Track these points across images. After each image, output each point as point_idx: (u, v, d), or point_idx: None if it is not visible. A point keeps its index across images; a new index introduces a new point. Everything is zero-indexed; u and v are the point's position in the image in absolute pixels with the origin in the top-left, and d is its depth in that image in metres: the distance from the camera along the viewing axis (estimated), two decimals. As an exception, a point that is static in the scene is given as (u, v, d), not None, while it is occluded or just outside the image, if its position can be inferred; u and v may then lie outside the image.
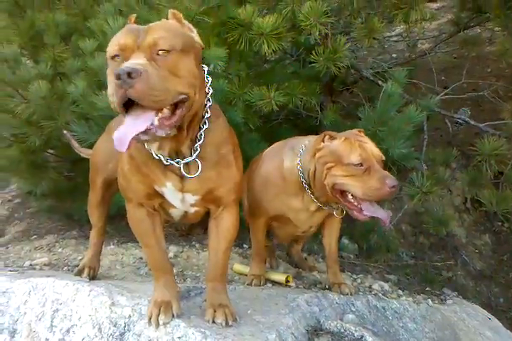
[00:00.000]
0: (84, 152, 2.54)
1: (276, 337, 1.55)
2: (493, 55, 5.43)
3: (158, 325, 1.56)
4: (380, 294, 2.35)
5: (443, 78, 4.97)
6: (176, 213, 1.73)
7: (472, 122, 3.29)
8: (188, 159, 1.52)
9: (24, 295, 1.84)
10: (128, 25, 1.48)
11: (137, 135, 1.31)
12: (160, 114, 1.34)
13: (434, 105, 3.02)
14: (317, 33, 2.46)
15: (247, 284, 2.21)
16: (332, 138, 1.98)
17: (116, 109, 1.34)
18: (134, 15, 1.56)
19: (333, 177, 1.92)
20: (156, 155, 1.51)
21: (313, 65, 2.70)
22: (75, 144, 2.57)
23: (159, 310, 1.58)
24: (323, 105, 3.59)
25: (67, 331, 1.67)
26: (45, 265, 2.52)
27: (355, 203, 1.93)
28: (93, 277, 2.19)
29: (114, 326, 1.63)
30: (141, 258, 2.64)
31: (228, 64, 2.63)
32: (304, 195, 2.08)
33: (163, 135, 1.36)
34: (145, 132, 1.32)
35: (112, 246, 2.86)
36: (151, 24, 1.43)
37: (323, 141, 1.99)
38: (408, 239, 3.71)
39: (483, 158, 2.95)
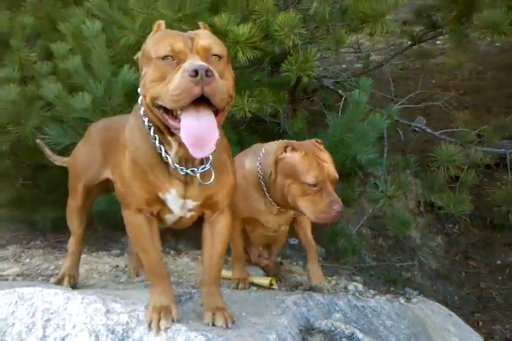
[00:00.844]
0: (58, 160, 2.49)
1: (277, 337, 1.60)
2: (440, 68, 5.80)
3: (159, 330, 1.57)
4: (357, 294, 2.44)
5: (391, 88, 5.22)
6: (170, 218, 1.74)
7: (429, 130, 3.50)
8: (205, 167, 1.55)
9: (10, 306, 1.77)
10: (167, 30, 1.53)
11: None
12: (215, 117, 1.39)
13: (395, 113, 3.18)
14: (290, 43, 2.55)
15: (233, 288, 2.24)
16: (293, 150, 2.06)
17: (178, 104, 1.34)
18: (162, 21, 1.58)
19: (292, 196, 2.04)
20: (173, 163, 1.53)
21: (285, 74, 2.78)
22: (48, 152, 2.51)
23: (159, 315, 1.59)
24: (285, 113, 3.70)
25: (62, 340, 1.64)
26: (17, 275, 2.43)
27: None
28: (74, 286, 2.15)
29: (112, 333, 1.62)
30: (117, 266, 2.60)
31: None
32: (265, 197, 2.18)
33: (212, 150, 1.40)
34: None
35: (84, 255, 2.77)
36: (193, 31, 1.50)
37: (284, 152, 2.07)
38: (369, 242, 3.88)
39: (441, 164, 3.16)
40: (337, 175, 2.06)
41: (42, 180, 3.30)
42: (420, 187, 4.14)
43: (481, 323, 3.61)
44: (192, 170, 1.54)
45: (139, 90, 1.51)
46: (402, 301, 2.58)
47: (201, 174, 1.56)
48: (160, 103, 1.39)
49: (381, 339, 1.98)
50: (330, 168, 2.05)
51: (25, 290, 1.81)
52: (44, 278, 2.42)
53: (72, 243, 2.28)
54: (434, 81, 6.09)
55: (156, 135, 1.53)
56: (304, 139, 2.28)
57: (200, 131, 1.35)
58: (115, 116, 2.31)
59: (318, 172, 1.99)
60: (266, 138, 2.77)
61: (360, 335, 1.77)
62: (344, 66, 6.44)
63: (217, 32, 2.67)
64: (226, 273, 2.42)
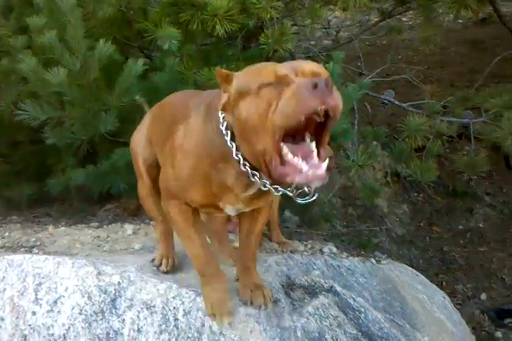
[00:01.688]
0: None
1: (264, 290, 1.71)
2: (406, 44, 5.94)
3: (223, 325, 1.58)
4: (332, 255, 2.59)
5: (359, 64, 5.34)
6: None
7: (397, 102, 3.63)
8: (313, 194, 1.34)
9: (0, 272, 1.82)
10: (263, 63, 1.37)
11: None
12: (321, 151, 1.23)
13: (367, 86, 3.30)
14: (267, 16, 2.60)
15: None
16: None
17: (291, 120, 1.15)
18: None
19: None
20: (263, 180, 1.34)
21: (262, 47, 2.84)
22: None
23: (219, 309, 1.58)
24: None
25: (55, 302, 1.70)
26: (-1, 247, 2.46)
27: None
28: (173, 266, 1.91)
29: (105, 293, 1.70)
30: (98, 236, 2.64)
31: (180, 44, 2.70)
32: None
33: (327, 180, 1.21)
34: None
35: (63, 228, 2.81)
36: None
37: None
38: (340, 211, 4.03)
39: (409, 134, 3.31)
40: None
41: (17, 157, 3.29)
42: (387, 158, 4.30)
43: (444, 284, 3.84)
44: (289, 190, 1.34)
45: (203, 117, 1.41)
46: (374, 262, 2.75)
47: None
48: (276, 133, 1.18)
49: (356, 293, 2.13)
50: None
51: (14, 257, 1.86)
52: (26, 249, 2.45)
53: (159, 231, 2.06)
54: (400, 57, 6.23)
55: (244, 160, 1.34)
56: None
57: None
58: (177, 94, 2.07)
59: None
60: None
61: (338, 288, 1.91)
62: (313, 42, 6.50)
63: (196, 5, 2.71)
64: None
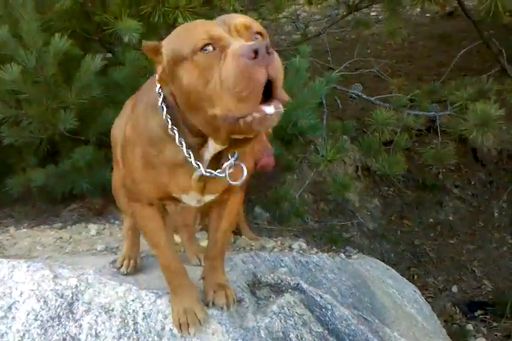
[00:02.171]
0: None
1: (226, 291, 1.66)
2: (374, 38, 5.96)
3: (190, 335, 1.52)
4: (301, 252, 2.56)
5: (329, 58, 5.34)
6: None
7: (365, 96, 3.62)
8: (230, 163, 1.33)
9: (-49, 278, 1.73)
10: (192, 21, 1.27)
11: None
12: None
13: (334, 80, 3.27)
14: (230, 8, 2.54)
15: None
16: None
17: (248, 105, 1.06)
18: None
19: None
20: (197, 163, 1.30)
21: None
22: None
23: (185, 319, 1.52)
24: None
25: (9, 308, 1.63)
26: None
27: None
28: (134, 267, 1.85)
29: (61, 297, 1.63)
30: (61, 237, 2.56)
31: (142, 37, 2.61)
32: None
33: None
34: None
35: (25, 230, 2.73)
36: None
37: None
38: (311, 206, 4.01)
39: (376, 128, 3.30)
40: None
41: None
42: (358, 153, 4.30)
43: (416, 277, 3.87)
44: (219, 172, 1.32)
45: (146, 104, 1.34)
46: (343, 257, 2.73)
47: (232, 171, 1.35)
48: (232, 115, 1.08)
49: (325, 290, 2.10)
50: None
51: (-34, 262, 1.77)
52: (-11, 250, 2.36)
53: (124, 224, 2.01)
54: (369, 51, 6.24)
55: (181, 137, 1.29)
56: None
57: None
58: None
59: None
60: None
61: (304, 285, 1.87)
62: (283, 37, 6.47)
63: (156, -4, 2.63)
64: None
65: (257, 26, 1.19)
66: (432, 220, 4.33)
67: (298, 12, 5.80)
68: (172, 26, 2.79)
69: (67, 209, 3.11)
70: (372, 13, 6.89)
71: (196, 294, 1.59)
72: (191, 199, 1.46)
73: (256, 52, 1.03)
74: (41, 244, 2.47)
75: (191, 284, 1.61)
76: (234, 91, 1.06)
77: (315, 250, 2.72)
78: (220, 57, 1.10)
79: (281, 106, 1.10)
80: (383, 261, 3.75)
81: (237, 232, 2.78)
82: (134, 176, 1.42)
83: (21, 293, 1.65)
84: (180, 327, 1.52)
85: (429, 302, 3.07)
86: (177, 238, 2.38)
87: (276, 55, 1.08)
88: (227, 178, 1.33)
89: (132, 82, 2.66)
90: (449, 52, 5.19)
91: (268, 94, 1.08)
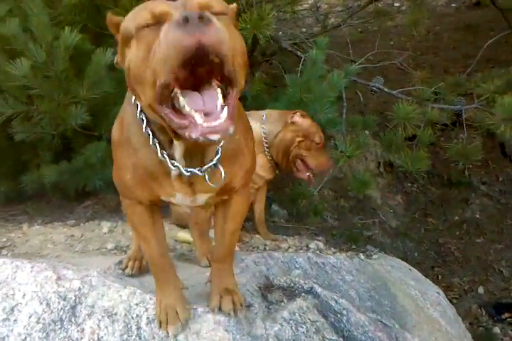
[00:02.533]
0: None
1: (235, 295, 1.58)
2: (398, 30, 5.78)
3: (169, 334, 1.46)
4: (318, 252, 2.46)
5: (350, 51, 5.20)
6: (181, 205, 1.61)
7: (386, 89, 3.48)
8: (211, 164, 1.26)
9: (-46, 278, 1.69)
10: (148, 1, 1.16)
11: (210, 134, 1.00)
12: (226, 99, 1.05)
13: (353, 73, 3.15)
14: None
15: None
16: (303, 116, 2.47)
17: (171, 72, 0.98)
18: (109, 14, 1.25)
19: (299, 150, 2.47)
20: (172, 163, 1.24)
21: (240, 32, 2.67)
22: None
23: (166, 316, 1.47)
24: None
25: (12, 310, 1.57)
26: (-37, 249, 2.33)
27: (303, 168, 2.55)
28: (139, 268, 1.79)
29: (64, 300, 1.57)
30: (72, 235, 2.52)
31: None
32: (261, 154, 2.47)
33: (231, 132, 1.03)
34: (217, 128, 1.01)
35: (37, 227, 2.70)
36: None
37: (294, 117, 2.46)
38: (330, 203, 3.89)
39: (399, 122, 3.17)
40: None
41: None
42: (380, 148, 4.17)
43: (440, 277, 3.72)
44: (199, 170, 1.25)
45: (127, 98, 1.28)
46: (363, 257, 2.62)
47: (210, 172, 1.28)
48: (160, 83, 1.01)
49: (341, 293, 2.00)
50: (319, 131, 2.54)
51: (-30, 262, 1.73)
52: (-6, 251, 2.33)
53: None
54: (392, 43, 6.07)
55: (153, 135, 1.23)
56: (264, 101, 2.67)
57: (208, 117, 1.02)
58: None
59: (321, 133, 2.52)
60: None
61: (318, 289, 1.78)
62: (304, 29, 6.35)
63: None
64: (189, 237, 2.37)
65: (216, 6, 1.10)
66: (457, 218, 4.16)
67: (318, 4, 5.67)
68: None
69: (82, 205, 3.07)
70: (396, 4, 6.70)
71: (180, 291, 1.53)
72: (183, 201, 1.39)
73: (186, 19, 0.94)
74: (52, 241, 2.43)
75: (176, 280, 1.54)
76: (160, 57, 0.98)
77: (333, 250, 2.61)
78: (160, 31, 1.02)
79: (230, 129, 1.02)
80: (406, 260, 3.61)
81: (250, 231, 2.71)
82: (121, 177, 1.35)
83: (24, 295, 1.60)
84: (160, 324, 1.47)
85: (453, 304, 2.93)
86: (188, 235, 2.32)
87: (217, 26, 0.97)
88: (206, 179, 1.27)
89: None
90: (476, 43, 4.99)
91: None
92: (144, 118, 1.22)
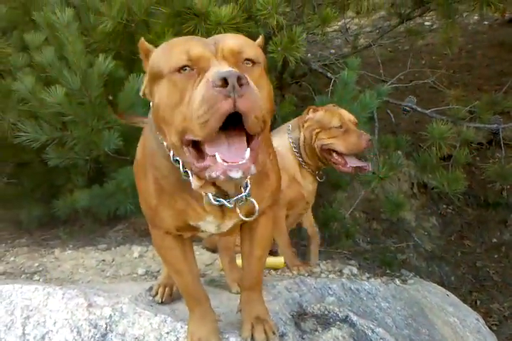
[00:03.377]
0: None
1: (267, 324, 1.53)
2: (429, 49, 5.72)
3: None
4: (352, 277, 2.39)
5: (381, 71, 5.17)
6: (205, 235, 1.58)
7: (419, 109, 3.42)
8: (240, 196, 1.24)
9: (-12, 305, 1.71)
10: (175, 39, 1.18)
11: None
12: (251, 143, 1.07)
13: (385, 93, 3.11)
14: (274, 22, 2.46)
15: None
16: (315, 110, 2.35)
17: (207, 130, 1.00)
18: (142, 40, 1.26)
19: (320, 141, 2.29)
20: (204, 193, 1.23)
21: (271, 55, 2.69)
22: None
23: None
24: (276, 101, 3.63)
25: (42, 338, 1.57)
26: (1, 274, 2.35)
27: (340, 159, 2.30)
28: (170, 295, 1.75)
29: (95, 328, 1.55)
30: (103, 260, 2.53)
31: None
32: (302, 171, 2.37)
33: (253, 172, 1.05)
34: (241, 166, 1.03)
35: (70, 251, 2.72)
36: (216, 35, 1.16)
37: (308, 114, 2.35)
38: (363, 226, 3.82)
39: (433, 142, 3.09)
40: (355, 119, 2.37)
41: (25, 178, 3.22)
42: (413, 169, 4.08)
43: (478, 302, 3.57)
44: (228, 201, 1.23)
45: (150, 125, 1.25)
46: (398, 282, 2.53)
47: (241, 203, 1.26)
48: (189, 136, 1.04)
49: (377, 321, 1.93)
50: (348, 113, 2.37)
51: (4, 288, 1.75)
52: (28, 275, 2.35)
53: None
54: (423, 62, 6.01)
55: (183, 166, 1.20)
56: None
57: (231, 168, 1.03)
58: None
59: (341, 116, 2.32)
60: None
61: (354, 318, 1.71)
62: (333, 51, 6.36)
63: (199, 14, 2.59)
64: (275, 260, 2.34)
65: (249, 52, 1.11)
66: (495, 240, 4.02)
67: (348, 25, 5.68)
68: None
69: (113, 230, 3.10)
70: (427, 23, 6.65)
71: (215, 324, 1.48)
72: (210, 226, 1.36)
73: (225, 81, 0.98)
74: (84, 266, 2.45)
75: (211, 313, 1.49)
76: (196, 114, 1.00)
77: (367, 275, 2.53)
78: (196, 79, 1.05)
79: (252, 168, 1.04)
80: (442, 285, 3.49)
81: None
82: (149, 202, 1.33)
83: (55, 322, 1.59)
84: None
85: (493, 331, 2.80)
86: (218, 262, 2.28)
87: (252, 87, 1.01)
88: (238, 212, 1.26)
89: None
90: (511, 61, 4.89)
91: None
92: (177, 157, 1.21)
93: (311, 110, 2.36)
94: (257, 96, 1.02)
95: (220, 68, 1.02)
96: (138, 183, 1.38)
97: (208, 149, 1.04)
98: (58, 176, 3.08)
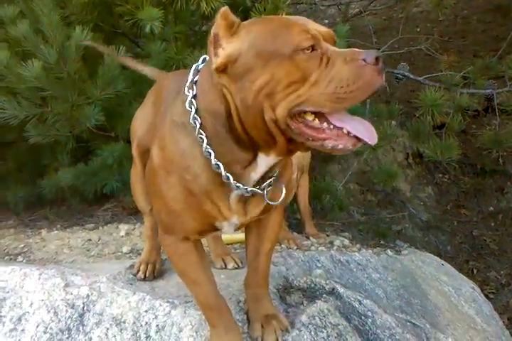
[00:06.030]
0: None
1: (249, 299, 1.49)
2: (424, 16, 5.56)
3: None
4: (342, 249, 2.35)
5: (375, 40, 5.03)
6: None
7: (412, 76, 3.33)
8: (269, 181, 1.23)
9: (-36, 287, 1.66)
10: (271, 17, 1.22)
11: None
12: None
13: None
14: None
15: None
16: None
17: (353, 101, 1.06)
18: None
19: None
20: (235, 183, 1.18)
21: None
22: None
23: None
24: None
25: (19, 319, 1.52)
26: (-17, 256, 2.31)
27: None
28: (153, 272, 1.72)
29: (72, 308, 1.51)
30: (89, 239, 2.48)
31: (165, 26, 2.47)
32: None
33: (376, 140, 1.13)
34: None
35: (56, 232, 2.66)
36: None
37: None
38: (357, 198, 3.77)
39: (426, 110, 3.00)
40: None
41: (10, 158, 3.15)
42: (408, 139, 4.01)
43: (475, 271, 3.56)
44: (258, 188, 1.22)
45: (181, 126, 1.20)
46: (391, 253, 2.49)
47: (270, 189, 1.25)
48: (308, 108, 1.08)
49: (367, 292, 1.89)
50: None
51: (-21, 270, 1.69)
52: (11, 257, 2.30)
53: (146, 225, 1.88)
54: (418, 29, 5.86)
55: (214, 154, 1.17)
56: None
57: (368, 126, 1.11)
58: (178, 72, 1.93)
59: None
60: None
61: (341, 290, 1.67)
62: (326, 21, 6.20)
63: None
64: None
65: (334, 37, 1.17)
66: (492, 209, 3.98)
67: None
68: (194, 13, 2.63)
69: (102, 208, 3.04)
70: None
71: (241, 336, 1.38)
72: (231, 226, 1.30)
73: (377, 60, 1.05)
74: (69, 246, 2.40)
75: (235, 325, 1.39)
76: (339, 90, 1.06)
77: (358, 246, 2.49)
78: (321, 58, 1.07)
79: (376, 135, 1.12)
80: (438, 254, 3.46)
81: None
82: (170, 208, 1.25)
83: (31, 304, 1.54)
84: None
85: (490, 299, 2.79)
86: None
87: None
88: (265, 197, 1.24)
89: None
90: (507, 25, 4.74)
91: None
92: (204, 138, 1.16)
93: None
94: None
95: (351, 49, 1.09)
96: (156, 188, 1.28)
97: (337, 122, 1.09)
98: (43, 155, 3.01)
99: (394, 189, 3.78)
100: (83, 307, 1.50)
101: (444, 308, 2.23)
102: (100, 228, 2.67)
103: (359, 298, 1.68)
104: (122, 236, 2.48)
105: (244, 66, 1.09)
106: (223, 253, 1.83)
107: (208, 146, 1.15)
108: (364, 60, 1.04)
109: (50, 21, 2.44)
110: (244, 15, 3.08)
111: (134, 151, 1.80)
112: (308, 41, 1.06)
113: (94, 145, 2.88)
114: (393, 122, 3.79)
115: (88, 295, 1.52)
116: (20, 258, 2.25)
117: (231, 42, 1.10)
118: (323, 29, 1.12)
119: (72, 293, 1.53)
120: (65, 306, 1.51)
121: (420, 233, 3.65)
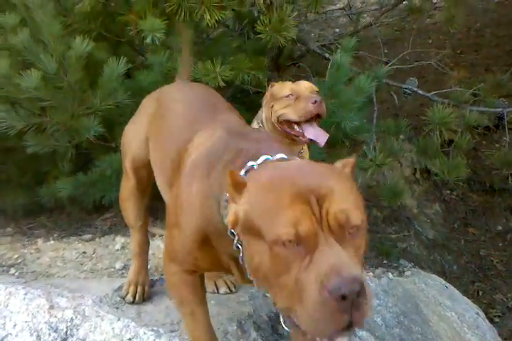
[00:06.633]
0: None
1: (238, 329, 1.43)
2: (436, 28, 5.48)
3: None
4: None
5: (386, 51, 4.96)
6: None
7: (420, 92, 3.25)
8: None
9: None
10: (292, 183, 0.99)
11: None
12: None
13: (383, 75, 2.94)
14: (261, 1, 2.29)
15: None
16: (272, 85, 2.25)
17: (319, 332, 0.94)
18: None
19: (275, 113, 2.19)
20: None
21: (259, 36, 2.53)
22: None
23: None
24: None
25: (1, 341, 1.48)
26: (-24, 266, 2.28)
27: (299, 130, 2.15)
28: (142, 295, 1.65)
29: (55, 332, 1.46)
30: (84, 252, 2.44)
31: (167, 37, 2.43)
32: None
33: None
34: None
35: (52, 242, 2.63)
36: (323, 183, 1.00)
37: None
38: (362, 213, 3.68)
39: (434, 127, 2.93)
40: (315, 87, 2.23)
41: (10, 164, 3.12)
42: (416, 154, 3.92)
43: (481, 293, 3.45)
44: None
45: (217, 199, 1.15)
46: (391, 276, 2.42)
47: None
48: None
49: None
50: (307, 83, 2.24)
51: (-35, 286, 1.65)
52: (4, 268, 2.26)
53: (133, 241, 1.81)
54: (430, 41, 5.78)
55: None
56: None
57: None
58: (172, 85, 1.99)
59: (292, 86, 2.20)
60: (252, 110, 2.55)
61: (336, 321, 1.59)
62: (338, 30, 6.14)
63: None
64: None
65: (354, 217, 0.97)
66: (500, 228, 3.88)
67: (352, 3, 5.45)
68: (197, 26, 2.59)
69: (101, 218, 3.00)
70: (434, 0, 6.39)
71: None
72: None
73: (343, 297, 0.88)
74: (63, 259, 2.36)
75: None
76: (308, 312, 0.93)
77: (359, 268, 2.42)
78: (304, 257, 0.94)
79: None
80: (443, 274, 3.38)
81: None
82: (189, 245, 1.21)
83: (15, 325, 1.50)
84: None
85: (495, 323, 2.69)
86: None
87: (368, 294, 0.92)
88: None
89: (158, 86, 2.49)
90: (521, 40, 4.68)
91: None
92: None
93: (269, 86, 2.29)
94: (369, 304, 0.93)
95: (332, 258, 0.93)
96: (182, 224, 1.23)
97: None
98: (43, 162, 2.98)
99: (400, 205, 3.69)
100: (66, 332, 1.45)
101: (445, 336, 2.16)
102: (97, 239, 2.63)
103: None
104: (117, 250, 2.43)
105: (242, 231, 1.04)
106: (215, 275, 1.77)
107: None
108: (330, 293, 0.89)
109: (50, 30, 2.41)
110: (252, 25, 3.05)
111: (127, 165, 1.76)
112: (288, 237, 0.94)
113: (93, 155, 2.85)
114: (401, 136, 3.72)
115: (72, 319, 1.47)
116: (12, 270, 2.21)
117: (238, 201, 1.03)
118: (335, 216, 0.96)
119: (56, 316, 1.48)
120: (48, 329, 1.46)
121: (426, 251, 3.56)
